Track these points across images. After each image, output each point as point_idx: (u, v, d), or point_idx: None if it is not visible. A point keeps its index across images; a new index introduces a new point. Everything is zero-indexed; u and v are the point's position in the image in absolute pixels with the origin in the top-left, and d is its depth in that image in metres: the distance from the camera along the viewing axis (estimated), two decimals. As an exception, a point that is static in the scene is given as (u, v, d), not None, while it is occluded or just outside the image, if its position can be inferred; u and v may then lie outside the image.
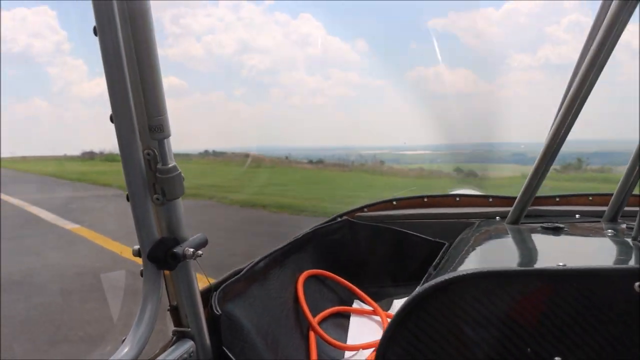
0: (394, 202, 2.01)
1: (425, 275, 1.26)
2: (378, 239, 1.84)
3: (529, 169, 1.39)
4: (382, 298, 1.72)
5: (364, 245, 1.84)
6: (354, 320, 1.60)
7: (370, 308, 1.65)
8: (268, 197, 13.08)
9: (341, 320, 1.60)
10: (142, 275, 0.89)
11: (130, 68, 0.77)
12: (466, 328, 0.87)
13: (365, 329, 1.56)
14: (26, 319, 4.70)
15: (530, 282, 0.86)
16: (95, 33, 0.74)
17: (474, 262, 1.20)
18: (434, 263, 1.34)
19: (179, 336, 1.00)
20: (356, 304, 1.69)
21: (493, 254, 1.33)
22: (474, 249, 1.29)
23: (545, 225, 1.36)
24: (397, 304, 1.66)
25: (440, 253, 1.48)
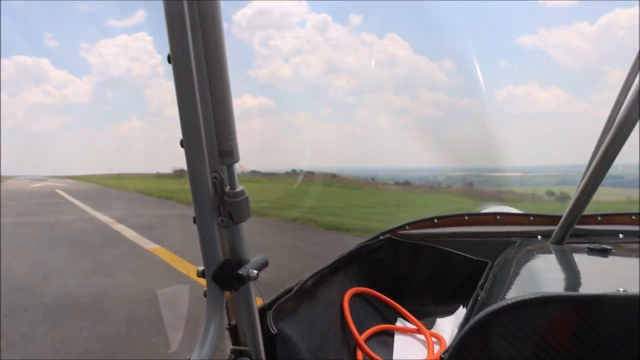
0: (435, 220, 2.03)
1: (473, 296, 1.37)
2: (420, 257, 1.86)
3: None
4: (424, 316, 1.72)
5: (406, 263, 1.86)
6: (398, 339, 1.61)
7: (414, 326, 1.65)
8: (353, 220, 12.72)
9: (386, 339, 1.60)
10: (205, 295, 0.92)
11: (202, 95, 0.80)
12: (527, 352, 0.88)
13: (410, 348, 1.56)
14: (84, 352, 4.36)
15: (597, 308, 0.86)
16: (169, 61, 0.77)
17: (526, 284, 1.23)
18: (479, 283, 1.44)
19: (237, 355, 1.04)
20: (399, 322, 1.70)
21: (544, 276, 1.30)
22: (522, 270, 1.30)
23: (592, 246, 1.37)
24: (441, 322, 1.66)
25: (485, 273, 1.53)
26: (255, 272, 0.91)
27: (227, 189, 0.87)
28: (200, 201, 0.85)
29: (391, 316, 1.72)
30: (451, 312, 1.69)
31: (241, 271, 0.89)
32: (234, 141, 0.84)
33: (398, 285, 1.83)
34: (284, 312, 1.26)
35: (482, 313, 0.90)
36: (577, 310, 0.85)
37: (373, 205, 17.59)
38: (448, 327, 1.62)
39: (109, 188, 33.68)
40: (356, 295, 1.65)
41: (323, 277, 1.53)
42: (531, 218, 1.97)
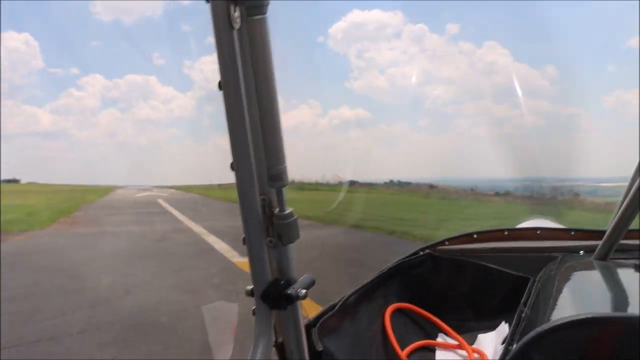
0: (475, 236, 2.06)
1: (517, 313, 1.34)
2: (460, 273, 1.86)
3: None
4: (465, 332, 1.71)
5: (446, 279, 1.87)
6: (440, 354, 1.61)
7: (456, 342, 1.65)
8: (449, 234, 11.60)
9: (427, 354, 1.61)
10: (253, 314, 0.95)
11: (252, 121, 0.83)
12: None
13: None
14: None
15: None
16: (220, 88, 0.81)
17: (572, 302, 1.25)
18: (522, 300, 1.44)
19: None
20: (440, 338, 1.71)
21: (590, 294, 1.31)
22: (566, 288, 1.32)
23: (639, 262, 1.41)
24: (482, 338, 1.66)
25: (527, 289, 1.53)
26: (304, 291, 0.94)
27: (277, 211, 0.90)
28: (249, 222, 0.89)
29: (432, 331, 1.73)
30: (492, 327, 1.68)
31: (290, 291, 0.92)
32: (283, 165, 0.87)
33: (438, 301, 1.84)
34: (327, 329, 1.30)
35: (532, 333, 0.93)
36: (628, 331, 0.87)
37: (470, 217, 16.34)
38: (490, 343, 1.61)
39: (209, 198, 34.87)
40: (397, 311, 1.67)
41: (365, 293, 1.56)
42: (573, 233, 1.99)
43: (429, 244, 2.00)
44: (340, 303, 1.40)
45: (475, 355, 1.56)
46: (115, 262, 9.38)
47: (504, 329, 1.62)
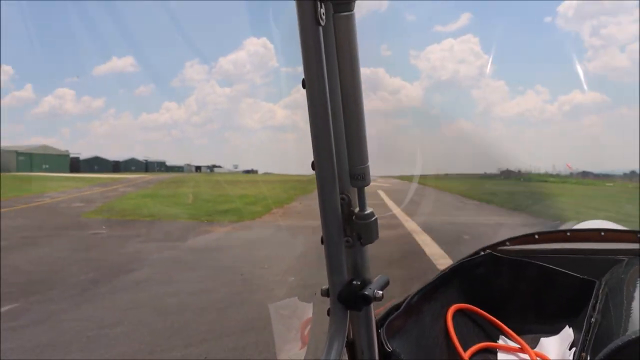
0: (536, 236, 2.08)
1: (586, 317, 1.37)
2: (521, 274, 1.86)
3: None
4: (525, 334, 1.70)
5: (507, 280, 1.87)
6: (502, 357, 1.62)
7: (517, 345, 1.65)
8: None
9: (489, 357, 1.61)
10: (328, 314, 0.97)
11: (335, 120, 0.85)
12: None
13: None
14: None
15: None
16: (304, 86, 0.82)
17: None
18: (591, 304, 1.47)
19: None
20: (501, 340, 1.71)
21: None
22: (638, 293, 1.34)
23: None
24: (545, 342, 1.66)
25: (594, 293, 1.55)
26: (380, 292, 0.95)
27: (357, 210, 0.92)
28: (328, 221, 0.90)
29: (493, 333, 1.73)
30: (555, 331, 1.67)
31: (367, 292, 0.93)
32: (366, 165, 0.89)
33: (498, 302, 1.83)
34: (393, 329, 1.33)
35: (613, 345, 0.97)
36: None
37: None
38: (554, 347, 1.59)
39: (432, 189, 32.98)
40: (458, 311, 1.68)
41: (427, 293, 1.59)
42: (639, 235, 2.00)
43: (489, 244, 2.04)
44: (405, 303, 1.44)
45: (539, 359, 1.55)
46: (297, 264, 8.03)
47: (568, 333, 1.61)
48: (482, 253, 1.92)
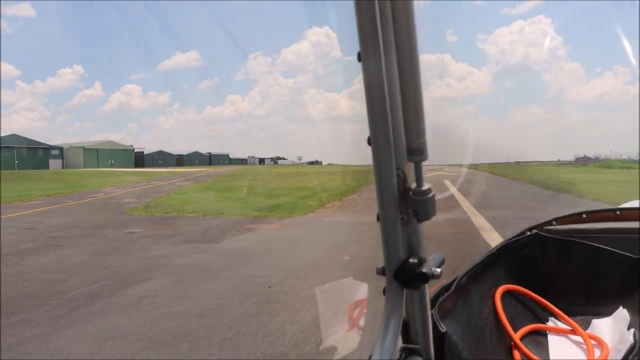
0: (584, 215, 2.07)
1: None
2: (569, 254, 1.85)
3: None
4: (574, 316, 1.70)
5: (554, 260, 1.86)
6: (552, 339, 1.60)
7: (568, 327, 1.64)
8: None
9: (539, 338, 1.60)
10: (384, 293, 0.97)
11: (392, 94, 0.84)
12: None
13: (567, 350, 1.55)
14: None
15: None
16: (359, 59, 0.81)
17: None
18: None
19: (408, 353, 1.05)
20: (551, 322, 1.70)
21: None
22: None
23: None
24: (598, 324, 1.64)
25: None
26: (439, 270, 0.95)
27: (414, 186, 0.91)
28: (385, 198, 0.89)
29: (542, 315, 1.72)
30: (607, 313, 1.65)
31: (424, 269, 0.93)
32: (423, 139, 0.87)
33: (546, 283, 1.81)
34: (444, 310, 1.32)
35: None
36: None
37: None
38: (607, 329, 1.57)
39: (502, 178, 30.57)
40: (506, 293, 1.67)
41: (475, 274, 1.58)
42: None
43: (536, 224, 2.03)
44: (455, 284, 1.44)
45: (592, 342, 1.52)
46: (342, 271, 6.72)
47: (623, 314, 1.57)
48: (529, 233, 1.92)
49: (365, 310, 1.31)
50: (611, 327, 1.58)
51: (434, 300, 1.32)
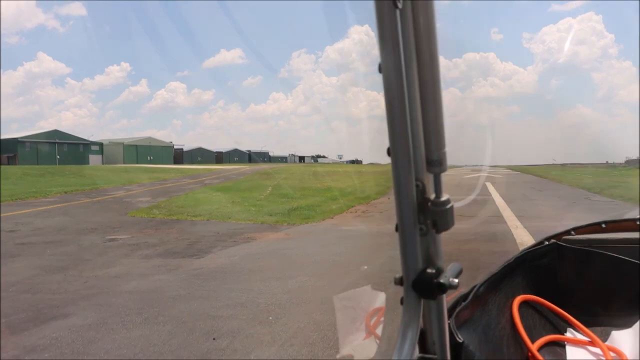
0: (604, 225, 2.02)
1: None
2: (588, 264, 1.83)
3: None
4: (593, 327, 1.68)
5: (573, 271, 1.84)
6: (570, 351, 1.59)
7: (586, 338, 1.62)
8: None
9: (557, 349, 1.59)
10: (401, 302, 0.97)
11: (412, 104, 0.84)
12: None
13: None
14: None
15: None
16: (380, 70, 0.82)
17: None
18: None
19: None
20: (569, 333, 1.68)
21: None
22: None
23: None
24: (617, 336, 1.63)
25: None
26: (456, 280, 0.94)
27: (433, 197, 0.91)
28: (404, 208, 0.90)
29: (560, 326, 1.70)
30: (627, 324, 1.65)
31: (442, 280, 0.92)
32: (442, 150, 0.88)
33: (564, 293, 1.80)
34: (461, 319, 1.31)
35: None
36: None
37: None
38: (628, 341, 1.57)
39: (548, 181, 27.82)
40: (524, 303, 1.65)
41: (493, 284, 1.56)
42: None
43: (553, 233, 2.00)
44: (472, 293, 1.41)
45: (612, 354, 1.50)
46: (326, 312, 4.84)
47: None
48: (547, 243, 1.89)
49: (382, 319, 1.29)
50: (631, 339, 1.56)
51: (451, 310, 1.30)
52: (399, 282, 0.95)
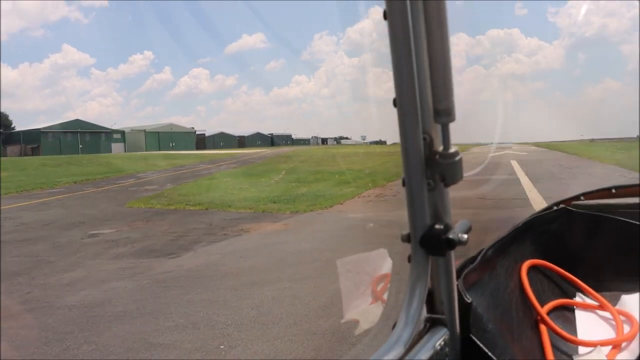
0: (614, 190, 1.99)
1: None
2: (597, 229, 1.81)
3: None
4: (602, 291, 1.66)
5: (582, 235, 1.82)
6: (580, 315, 1.58)
7: (596, 303, 1.61)
8: None
9: (566, 314, 1.57)
10: (409, 260, 0.94)
11: (419, 53, 0.81)
12: None
13: (595, 325, 1.52)
14: None
15: None
16: (385, 17, 0.79)
17: None
18: None
19: (433, 323, 1.03)
20: (578, 297, 1.66)
21: None
22: None
23: None
24: (627, 300, 1.60)
25: None
26: (465, 236, 0.92)
27: (441, 149, 0.87)
28: (411, 163, 0.87)
29: (569, 290, 1.68)
30: (637, 288, 1.61)
31: (451, 235, 0.90)
32: (450, 99, 0.84)
33: (573, 258, 1.77)
34: (469, 282, 1.28)
35: None
36: None
37: None
38: (637, 305, 1.53)
39: (577, 158, 26.05)
40: (532, 267, 1.64)
41: (501, 248, 1.54)
42: None
43: (563, 198, 1.97)
44: (480, 256, 1.40)
45: (622, 317, 1.49)
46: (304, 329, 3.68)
47: None
48: (556, 208, 1.86)
49: (389, 284, 1.24)
50: None
51: (459, 272, 1.24)
52: (406, 239, 0.92)
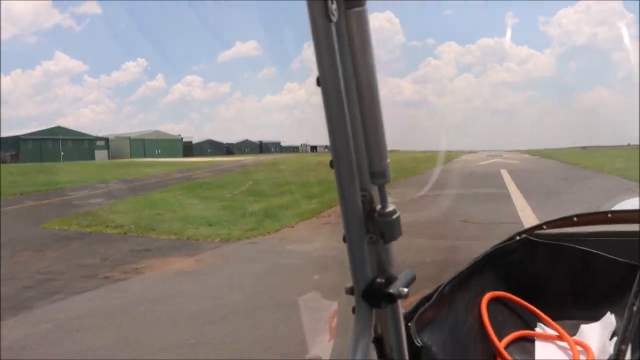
0: (575, 219, 1.97)
1: (628, 305, 1.31)
2: (559, 259, 1.78)
3: None
4: (563, 320, 1.65)
5: (544, 265, 1.80)
6: (539, 345, 1.55)
7: (556, 333, 1.59)
8: None
9: (526, 345, 1.56)
10: (353, 312, 0.94)
11: (352, 117, 0.82)
12: None
13: (553, 355, 1.51)
14: None
15: None
16: (318, 83, 0.79)
17: None
18: (633, 290, 1.36)
19: None
20: (539, 328, 1.64)
21: None
22: None
23: None
24: (585, 330, 1.58)
25: (637, 278, 1.45)
26: (406, 290, 0.91)
27: (378, 207, 0.88)
28: (350, 219, 0.86)
29: (530, 321, 1.67)
30: (596, 318, 1.60)
31: (392, 289, 0.90)
32: (385, 162, 0.85)
33: (535, 289, 1.74)
34: (424, 321, 1.28)
35: None
36: None
37: None
38: (594, 335, 1.52)
39: (571, 167, 23.81)
40: (494, 300, 1.61)
41: (460, 282, 1.51)
42: None
43: (525, 228, 1.94)
44: (436, 293, 1.38)
45: (578, 348, 1.47)
46: None
47: (610, 320, 1.53)
48: (518, 238, 1.83)
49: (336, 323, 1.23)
50: (598, 333, 1.52)
51: (413, 312, 1.28)
52: (350, 291, 0.91)
